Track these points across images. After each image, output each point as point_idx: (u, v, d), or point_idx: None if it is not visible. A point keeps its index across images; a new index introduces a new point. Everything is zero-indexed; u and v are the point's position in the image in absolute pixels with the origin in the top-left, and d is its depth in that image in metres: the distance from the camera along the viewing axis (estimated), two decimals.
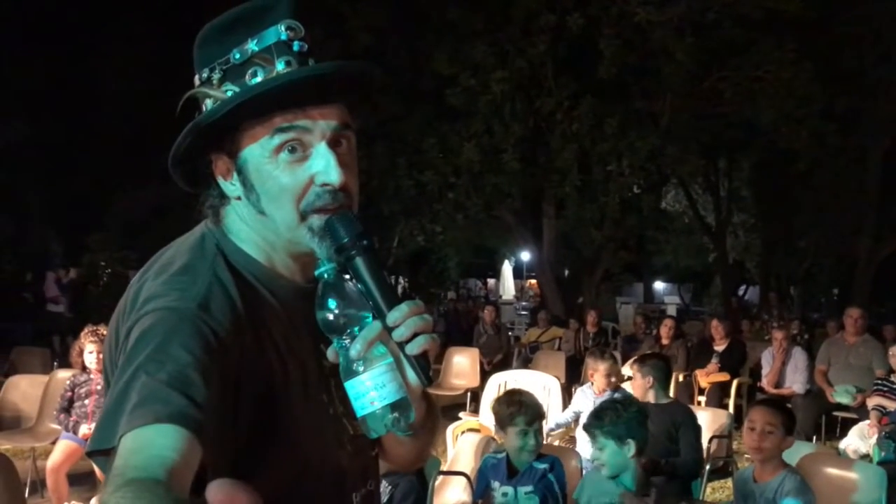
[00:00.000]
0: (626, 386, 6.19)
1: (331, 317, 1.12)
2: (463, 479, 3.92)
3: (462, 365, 8.94)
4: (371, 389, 1.10)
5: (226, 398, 1.03)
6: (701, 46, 12.71)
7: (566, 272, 19.01)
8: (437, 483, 4.22)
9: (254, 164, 1.17)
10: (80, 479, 5.55)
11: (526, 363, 9.70)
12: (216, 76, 1.19)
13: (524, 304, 24.39)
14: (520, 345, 11.94)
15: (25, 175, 18.72)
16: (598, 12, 12.94)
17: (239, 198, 1.21)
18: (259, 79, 1.15)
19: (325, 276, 1.15)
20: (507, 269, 27.00)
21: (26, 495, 5.34)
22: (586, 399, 5.10)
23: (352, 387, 1.11)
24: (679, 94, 13.57)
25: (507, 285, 26.64)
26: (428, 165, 13.87)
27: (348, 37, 13.48)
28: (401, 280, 31.05)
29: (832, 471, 3.75)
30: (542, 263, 16.44)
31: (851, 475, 3.73)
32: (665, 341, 8.95)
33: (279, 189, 1.16)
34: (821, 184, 17.14)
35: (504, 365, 9.58)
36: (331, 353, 1.15)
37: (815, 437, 7.30)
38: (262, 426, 1.10)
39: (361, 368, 1.11)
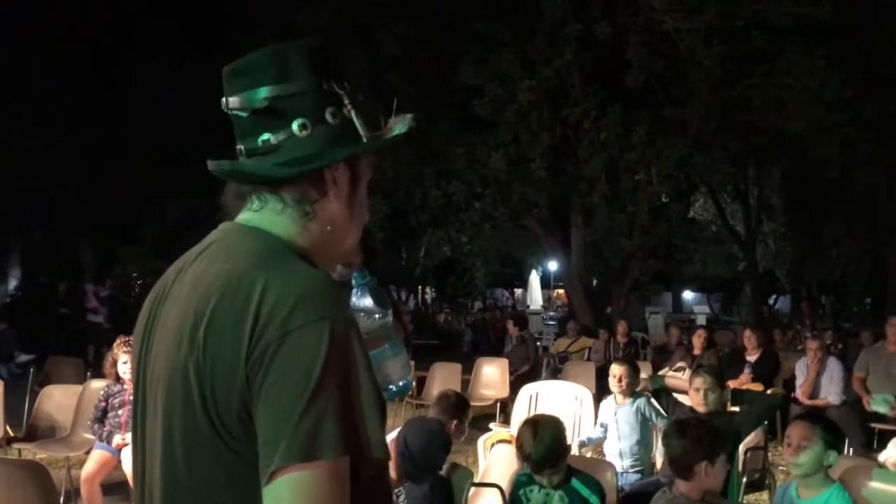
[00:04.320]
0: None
1: (375, 314, 1.42)
2: (496, 491, 3.88)
3: (491, 375, 8.90)
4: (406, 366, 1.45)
5: None
6: (729, 54, 12.62)
7: (594, 282, 18.90)
8: (470, 494, 4.20)
9: (363, 180, 1.37)
10: (114, 489, 5.59)
11: (555, 374, 9.64)
12: (359, 98, 1.34)
13: (551, 313, 24.30)
14: (549, 355, 11.88)
15: (59, 187, 18.97)
16: (626, 21, 12.91)
17: (329, 200, 1.32)
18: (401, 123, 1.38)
19: (371, 282, 1.42)
20: (534, 278, 26.89)
21: None
22: (609, 410, 5.06)
23: (389, 365, 1.44)
24: (707, 102, 13.48)
25: (535, 295, 26.52)
26: (455, 175, 13.88)
27: (376, 48, 13.55)
28: (428, 290, 31.09)
29: (876, 484, 3.67)
30: (570, 273, 16.35)
31: (894, 489, 3.64)
32: (697, 351, 8.84)
33: (364, 208, 1.38)
34: (853, 191, 16.91)
35: (532, 375, 9.52)
36: None
37: (851, 450, 7.16)
38: None
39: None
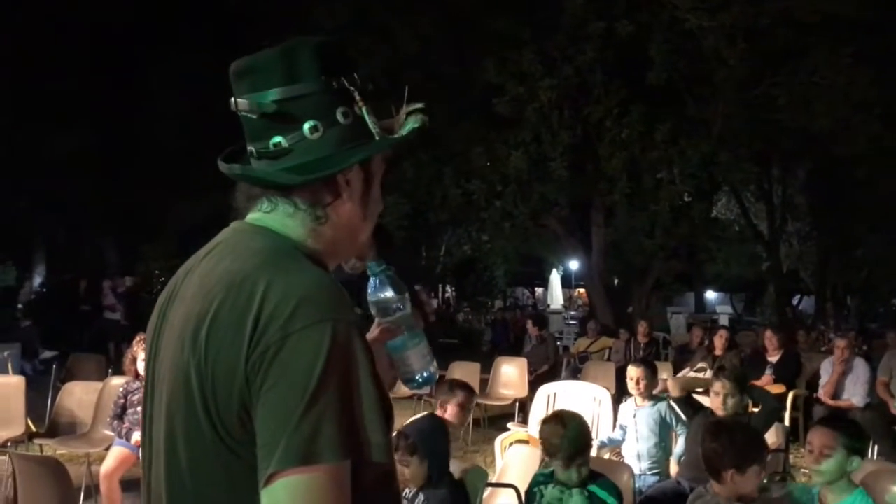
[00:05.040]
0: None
1: (392, 304, 1.41)
2: (512, 492, 3.86)
3: (510, 375, 8.88)
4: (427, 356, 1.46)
5: None
6: (754, 52, 12.49)
7: (616, 281, 18.79)
8: (485, 495, 4.18)
9: (376, 178, 1.35)
10: (134, 486, 5.61)
11: (575, 374, 9.58)
12: (370, 88, 1.32)
13: (572, 313, 24.19)
14: (569, 355, 11.82)
15: (82, 184, 19.14)
16: (648, 18, 12.81)
17: (342, 202, 1.30)
18: (412, 118, 1.35)
19: (388, 271, 1.41)
20: (555, 278, 26.80)
21: (81, 500, 5.45)
22: (628, 412, 5.01)
23: (410, 356, 1.44)
24: (731, 100, 13.35)
25: (556, 294, 26.43)
26: (475, 174, 13.84)
27: (395, 47, 13.54)
28: (448, 289, 31.04)
29: None
30: (591, 272, 16.26)
31: None
32: (718, 352, 8.76)
33: (378, 203, 1.37)
34: (879, 191, 16.68)
35: (551, 375, 9.48)
36: (375, 330, 1.45)
37: (876, 454, 7.06)
38: None
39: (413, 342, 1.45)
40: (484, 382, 8.92)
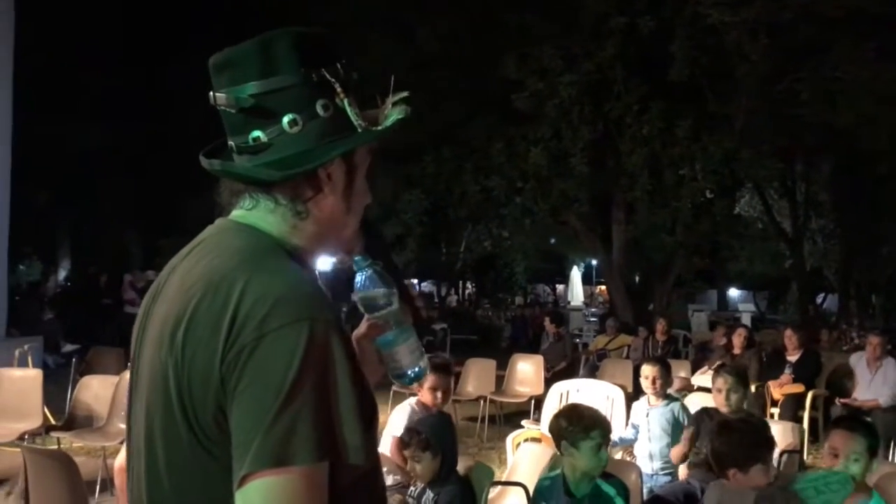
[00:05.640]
0: (699, 396, 6.02)
1: (379, 299, 1.38)
2: (521, 490, 3.84)
3: (526, 372, 8.85)
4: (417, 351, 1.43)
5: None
6: (776, 47, 12.34)
7: (637, 278, 18.69)
8: (493, 494, 4.16)
9: (360, 170, 1.32)
10: None
11: (593, 371, 9.53)
12: (354, 78, 1.30)
13: (593, 310, 24.08)
14: (587, 352, 11.76)
15: (106, 178, 19.33)
16: (670, 14, 12.70)
17: (324, 196, 1.28)
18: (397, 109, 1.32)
19: (375, 265, 1.39)
20: (575, 274, 26.72)
21: (97, 493, 5.50)
22: (641, 411, 4.97)
23: (399, 351, 1.41)
24: (754, 96, 13.21)
25: (576, 291, 26.35)
26: (495, 170, 13.81)
27: (415, 43, 13.53)
28: (468, 285, 31.03)
29: None
30: (611, 269, 16.18)
31: None
32: (737, 351, 8.67)
33: (363, 195, 1.34)
34: None
35: (569, 373, 9.44)
36: (364, 325, 1.43)
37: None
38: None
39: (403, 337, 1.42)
40: (500, 379, 8.90)
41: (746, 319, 19.94)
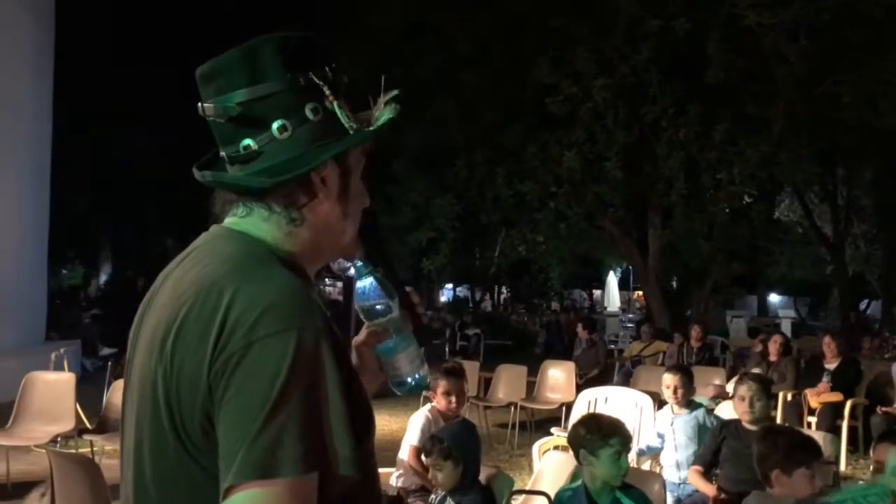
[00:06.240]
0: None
1: (379, 306, 1.36)
2: (544, 499, 3.78)
3: (557, 378, 8.76)
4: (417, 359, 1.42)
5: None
6: (816, 48, 12.13)
7: (674, 284, 18.48)
8: (518, 502, 4.12)
9: (355, 173, 1.30)
10: None
11: (627, 378, 9.42)
12: (344, 80, 1.28)
13: (630, 316, 23.86)
14: (621, 359, 11.64)
15: (147, 184, 19.63)
16: (706, 16, 12.55)
17: (319, 202, 1.25)
18: (388, 108, 1.29)
19: (376, 272, 1.37)
20: (612, 279, 26.51)
21: None
22: (665, 420, 4.88)
23: (399, 360, 1.40)
24: (793, 98, 12.99)
25: (613, 296, 26.14)
26: (528, 175, 13.75)
27: (449, 48, 13.55)
28: (503, 290, 30.93)
29: None
30: (647, 274, 16.02)
31: None
32: (773, 358, 8.50)
33: (360, 199, 1.32)
34: None
35: (602, 380, 9.34)
36: (363, 333, 1.41)
37: None
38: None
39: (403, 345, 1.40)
40: (531, 385, 8.83)
41: (786, 326, 19.60)
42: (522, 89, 13.81)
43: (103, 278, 23.30)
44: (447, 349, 16.51)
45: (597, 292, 32.91)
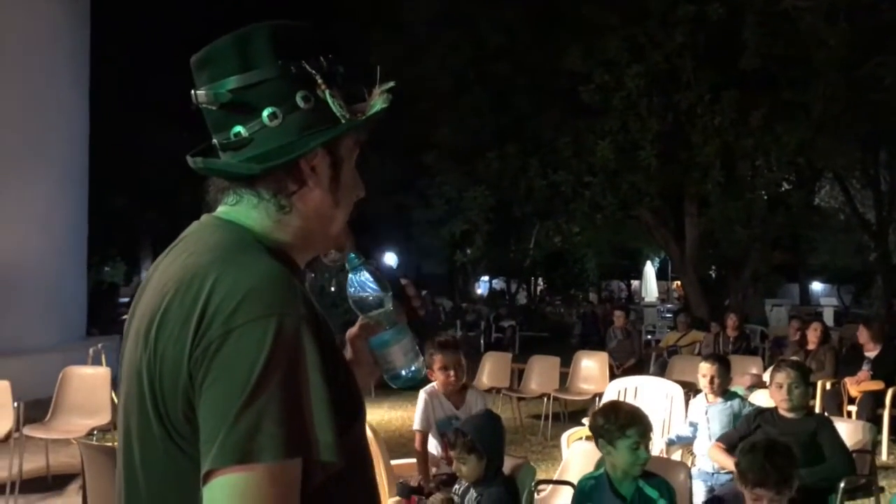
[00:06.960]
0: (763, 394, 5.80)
1: (372, 298, 1.36)
2: (570, 489, 3.76)
3: (590, 369, 8.71)
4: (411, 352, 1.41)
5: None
6: (856, 30, 11.85)
7: (712, 273, 18.24)
8: (546, 492, 4.09)
9: (347, 162, 1.30)
10: None
11: (663, 368, 9.34)
12: (339, 71, 1.27)
13: (668, 306, 23.62)
14: (658, 349, 11.53)
15: (186, 182, 19.88)
16: (741, 0, 12.33)
17: (309, 190, 1.25)
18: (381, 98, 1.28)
19: (368, 264, 1.36)
20: (649, 270, 26.26)
21: None
22: (699, 409, 4.80)
23: (393, 352, 1.39)
24: (832, 82, 12.71)
25: (650, 287, 25.90)
26: (561, 165, 13.65)
27: (480, 37, 13.49)
28: (539, 281, 30.79)
29: None
30: (684, 264, 15.82)
31: None
32: (812, 346, 8.35)
33: (353, 189, 1.32)
34: None
35: (638, 370, 9.26)
36: (357, 326, 1.41)
37: None
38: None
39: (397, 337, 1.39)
40: (563, 376, 8.79)
41: (829, 314, 19.29)
42: (554, 79, 13.70)
43: (143, 273, 23.70)
44: (482, 341, 16.52)
45: (635, 283, 32.63)
